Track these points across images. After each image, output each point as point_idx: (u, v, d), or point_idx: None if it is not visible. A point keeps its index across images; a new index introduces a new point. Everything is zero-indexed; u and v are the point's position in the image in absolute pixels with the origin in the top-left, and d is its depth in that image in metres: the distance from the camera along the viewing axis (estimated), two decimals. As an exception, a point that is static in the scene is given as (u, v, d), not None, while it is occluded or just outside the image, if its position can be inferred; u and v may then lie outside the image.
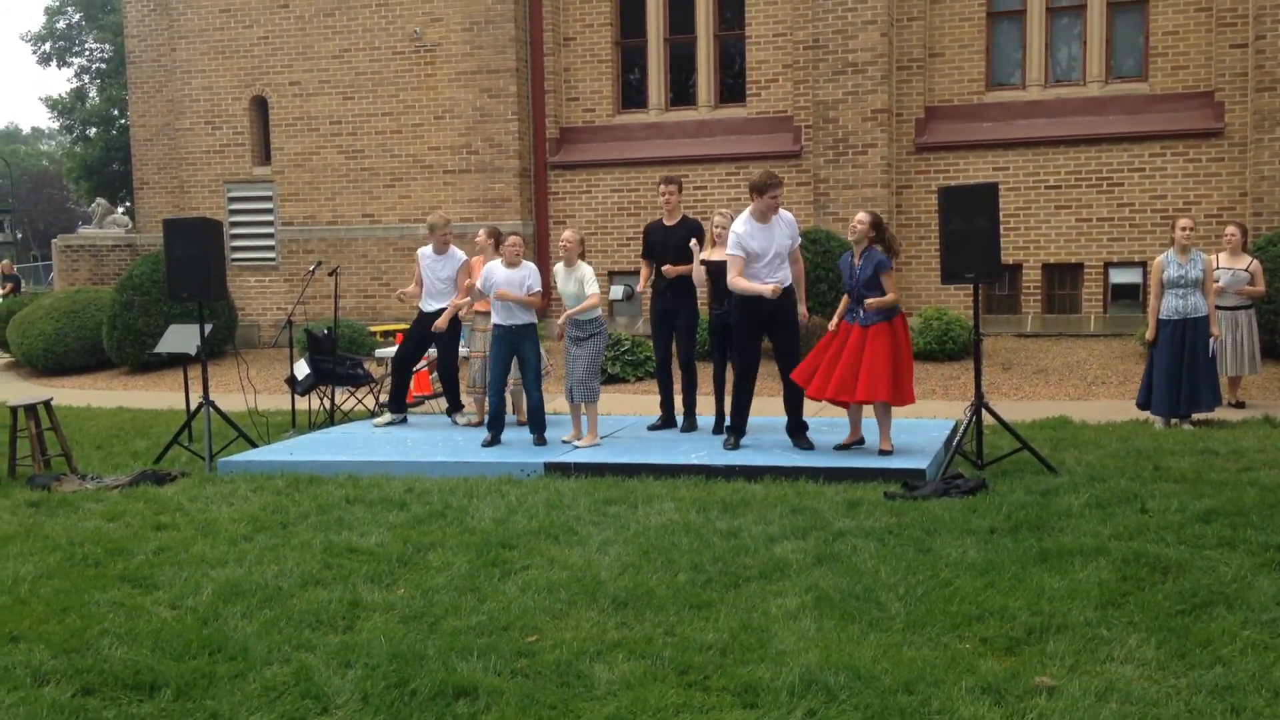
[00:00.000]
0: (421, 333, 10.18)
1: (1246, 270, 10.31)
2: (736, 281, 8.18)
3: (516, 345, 9.04)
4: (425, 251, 10.20)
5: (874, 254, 8.08)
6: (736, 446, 8.50)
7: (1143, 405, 9.82)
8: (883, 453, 8.14)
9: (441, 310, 10.04)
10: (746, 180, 15.45)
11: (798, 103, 15.41)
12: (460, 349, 10.37)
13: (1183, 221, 9.74)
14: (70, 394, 14.25)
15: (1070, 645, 4.59)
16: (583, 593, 5.42)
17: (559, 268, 9.06)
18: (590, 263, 10.00)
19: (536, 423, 9.11)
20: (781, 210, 8.33)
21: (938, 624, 4.86)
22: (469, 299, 9.87)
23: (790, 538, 6.25)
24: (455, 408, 10.38)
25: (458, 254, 10.19)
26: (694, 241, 9.04)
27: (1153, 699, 4.10)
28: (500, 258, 9.23)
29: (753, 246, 8.15)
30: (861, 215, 8.18)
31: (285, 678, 4.54)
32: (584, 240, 9.34)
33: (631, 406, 11.62)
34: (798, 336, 8.49)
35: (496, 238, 9.88)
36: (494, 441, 9.07)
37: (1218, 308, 10.06)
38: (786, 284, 8.27)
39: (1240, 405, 10.42)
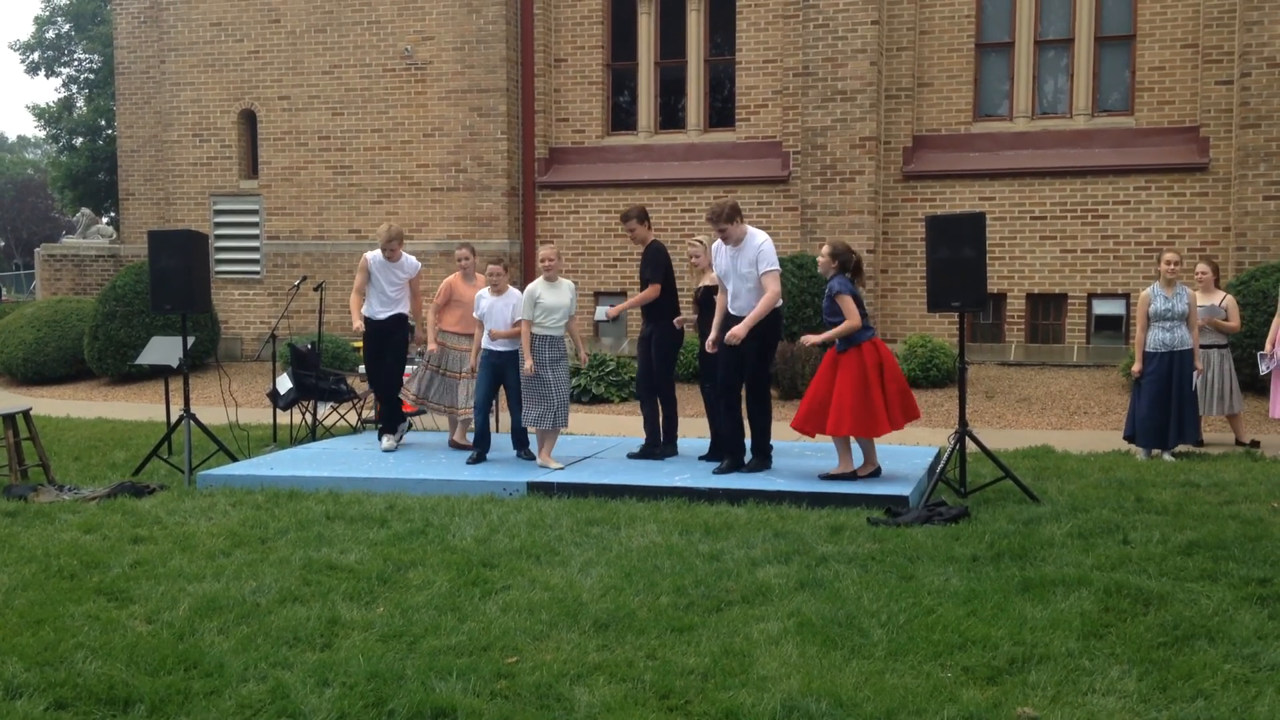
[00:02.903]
0: (379, 339, 9.75)
1: (1220, 306, 10.25)
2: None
3: (500, 370, 9.05)
4: (375, 257, 9.75)
5: (831, 282, 8.11)
6: (726, 470, 8.43)
7: (1130, 438, 9.84)
8: (824, 476, 8.12)
9: (394, 315, 9.73)
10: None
11: (786, 129, 15.48)
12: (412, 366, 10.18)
13: (1168, 256, 9.80)
14: (49, 404, 14.14)
15: (1052, 676, 4.58)
16: (564, 614, 5.39)
17: (538, 284, 8.90)
18: (576, 283, 10.01)
19: (520, 440, 9.19)
20: (753, 239, 8.23)
21: (920, 652, 4.85)
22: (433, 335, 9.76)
23: (773, 562, 6.23)
24: (389, 428, 9.90)
25: (410, 260, 9.87)
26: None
27: (1134, 731, 4.09)
28: (487, 283, 9.21)
29: (717, 267, 8.45)
30: (825, 248, 8.23)
31: (261, 695, 4.48)
32: (560, 255, 9.32)
33: (615, 427, 11.60)
34: (758, 365, 8.32)
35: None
36: (480, 459, 9.06)
37: None
38: (744, 313, 8.22)
39: (1256, 445, 10.04)
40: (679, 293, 9.43)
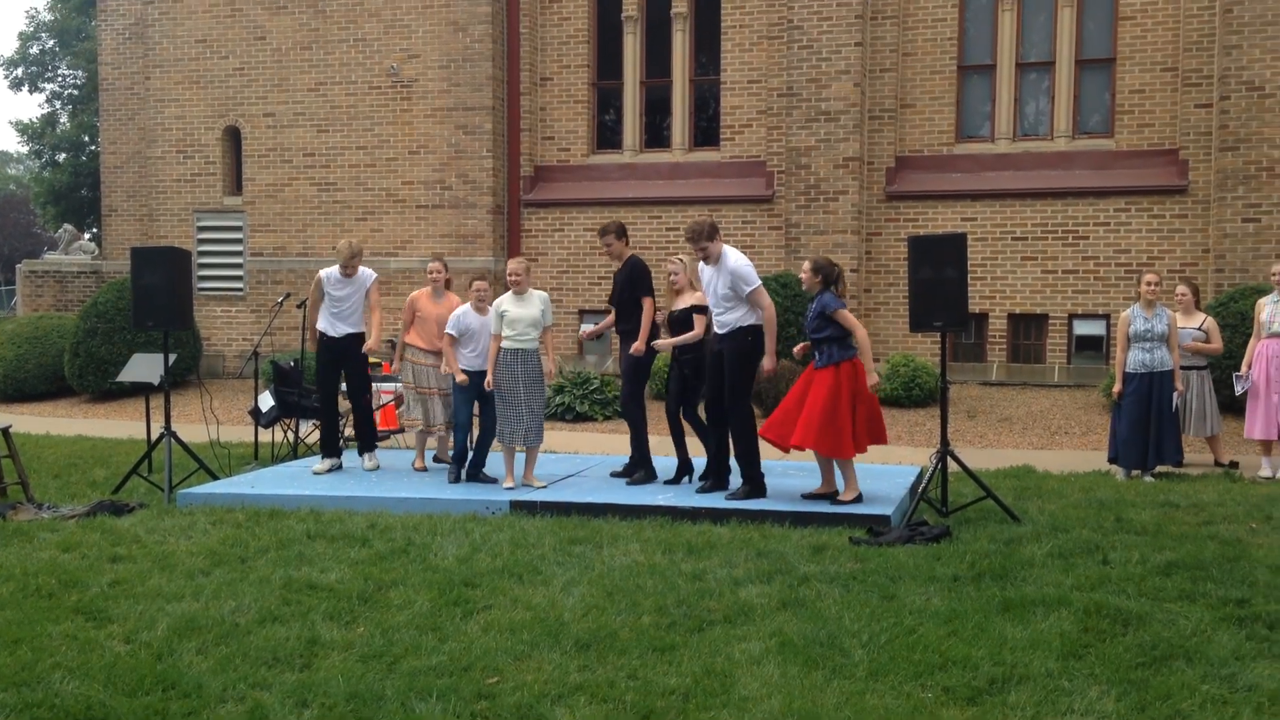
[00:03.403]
0: (333, 356, 9.61)
1: (1200, 329, 10.23)
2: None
3: (480, 388, 8.96)
4: (330, 274, 9.57)
5: (821, 298, 8.13)
6: (709, 489, 8.39)
7: (1114, 460, 9.88)
8: (806, 495, 8.11)
9: (350, 334, 9.55)
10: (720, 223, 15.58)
11: (770, 148, 15.55)
12: (395, 386, 10.09)
13: (1148, 276, 9.87)
14: (29, 421, 14.05)
15: (1032, 696, 4.59)
16: (545, 634, 5.38)
17: (505, 299, 8.74)
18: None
19: (476, 466, 9.10)
20: (726, 258, 8.17)
21: (901, 672, 4.86)
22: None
23: (755, 581, 6.23)
24: (367, 447, 9.86)
25: (365, 272, 9.66)
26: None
27: (1113, 752, 4.10)
28: (469, 301, 9.15)
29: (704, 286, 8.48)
30: (806, 264, 8.25)
31: (240, 716, 4.46)
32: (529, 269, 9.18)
33: (599, 446, 11.59)
34: (716, 383, 8.31)
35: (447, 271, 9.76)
36: (460, 478, 9.03)
37: None
38: (723, 330, 8.22)
39: (1234, 465, 10.05)
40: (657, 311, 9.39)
